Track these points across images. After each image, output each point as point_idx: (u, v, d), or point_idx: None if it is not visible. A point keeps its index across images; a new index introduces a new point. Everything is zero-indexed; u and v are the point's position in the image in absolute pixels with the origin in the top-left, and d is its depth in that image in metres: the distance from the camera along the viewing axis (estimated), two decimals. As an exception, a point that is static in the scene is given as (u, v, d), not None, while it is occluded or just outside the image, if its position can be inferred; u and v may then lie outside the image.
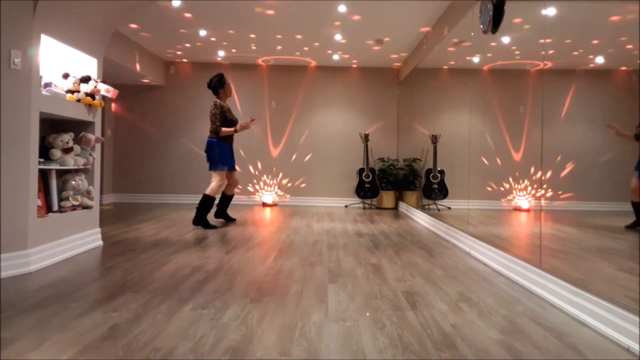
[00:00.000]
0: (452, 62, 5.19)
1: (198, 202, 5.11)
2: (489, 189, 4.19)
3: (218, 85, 5.08)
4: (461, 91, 4.64)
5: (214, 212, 5.48)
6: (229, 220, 5.54)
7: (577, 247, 3.14)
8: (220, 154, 4.98)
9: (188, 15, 5.42)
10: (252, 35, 6.22)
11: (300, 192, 7.97)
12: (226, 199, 5.43)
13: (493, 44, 3.80)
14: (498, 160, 4.15)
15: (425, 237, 4.70)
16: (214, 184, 5.01)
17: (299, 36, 6.20)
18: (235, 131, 5.01)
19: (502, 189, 4.04)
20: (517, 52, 3.79)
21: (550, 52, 2.96)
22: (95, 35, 3.84)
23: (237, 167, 5.48)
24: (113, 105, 7.78)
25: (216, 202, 5.35)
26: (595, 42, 2.86)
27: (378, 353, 1.79)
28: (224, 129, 4.95)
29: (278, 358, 1.74)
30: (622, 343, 1.90)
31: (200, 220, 5.00)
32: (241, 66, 7.93)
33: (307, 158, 7.94)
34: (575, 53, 3.03)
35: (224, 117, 4.98)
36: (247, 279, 2.86)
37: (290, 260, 3.43)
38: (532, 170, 3.53)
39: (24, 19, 2.96)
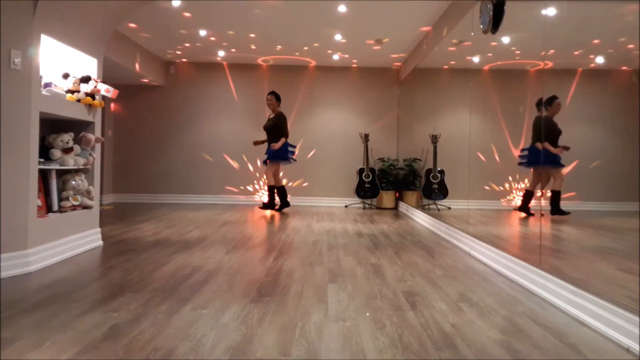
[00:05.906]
0: (452, 62, 5.19)
1: (277, 192, 6.56)
2: (489, 189, 4.19)
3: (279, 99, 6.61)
4: (461, 91, 4.64)
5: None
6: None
7: (577, 247, 3.14)
8: None
9: (188, 15, 5.42)
10: (252, 35, 6.22)
11: (300, 192, 7.97)
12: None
13: (493, 43, 3.80)
14: (498, 160, 4.15)
15: (425, 237, 4.70)
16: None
17: (299, 36, 6.20)
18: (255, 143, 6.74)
19: (501, 188, 4.03)
20: (517, 52, 3.79)
21: (550, 52, 2.96)
22: (95, 35, 3.83)
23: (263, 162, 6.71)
24: (112, 105, 7.78)
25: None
26: (595, 42, 2.86)
27: (378, 353, 1.79)
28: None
29: (278, 358, 1.74)
30: (622, 343, 1.90)
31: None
32: (241, 66, 7.92)
33: (308, 155, 7.94)
34: (576, 53, 3.03)
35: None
36: (247, 279, 2.86)
37: (290, 260, 3.43)
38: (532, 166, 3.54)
39: (24, 19, 2.96)
